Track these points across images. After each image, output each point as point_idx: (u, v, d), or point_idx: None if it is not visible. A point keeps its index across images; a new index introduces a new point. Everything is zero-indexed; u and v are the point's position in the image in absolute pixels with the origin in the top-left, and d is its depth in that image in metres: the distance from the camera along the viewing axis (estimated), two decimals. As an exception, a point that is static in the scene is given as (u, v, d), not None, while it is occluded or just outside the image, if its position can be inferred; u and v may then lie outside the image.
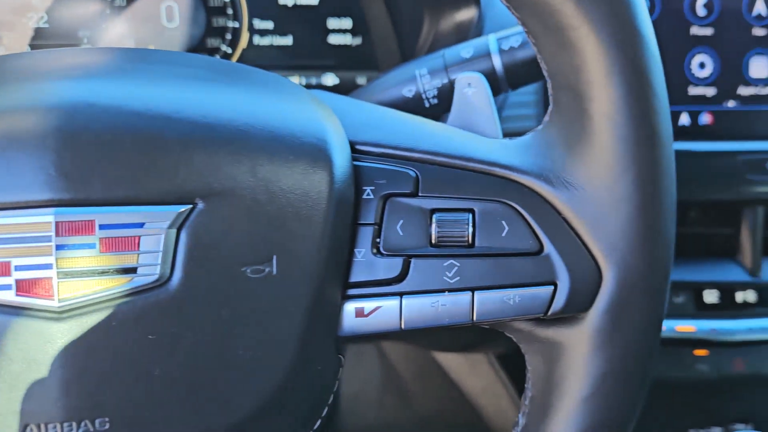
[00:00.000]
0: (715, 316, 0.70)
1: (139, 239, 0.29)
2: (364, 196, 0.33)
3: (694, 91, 0.69)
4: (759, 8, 0.68)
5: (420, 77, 0.51)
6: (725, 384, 0.75)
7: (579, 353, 0.33)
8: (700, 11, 0.67)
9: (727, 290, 0.71)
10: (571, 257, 0.33)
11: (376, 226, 0.33)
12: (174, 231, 0.29)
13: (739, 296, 0.71)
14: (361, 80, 0.70)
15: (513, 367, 0.86)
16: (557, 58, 0.33)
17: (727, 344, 0.70)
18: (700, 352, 0.71)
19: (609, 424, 0.34)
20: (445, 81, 0.50)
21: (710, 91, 0.69)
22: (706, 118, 0.69)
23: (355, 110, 0.38)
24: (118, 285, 0.29)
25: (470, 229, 0.33)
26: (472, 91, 0.42)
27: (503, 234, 0.33)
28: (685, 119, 0.69)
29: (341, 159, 0.32)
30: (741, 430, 0.64)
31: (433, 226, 0.33)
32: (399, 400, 0.93)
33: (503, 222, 0.33)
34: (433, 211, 0.34)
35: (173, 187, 0.29)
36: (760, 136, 0.69)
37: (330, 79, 0.69)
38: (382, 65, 0.70)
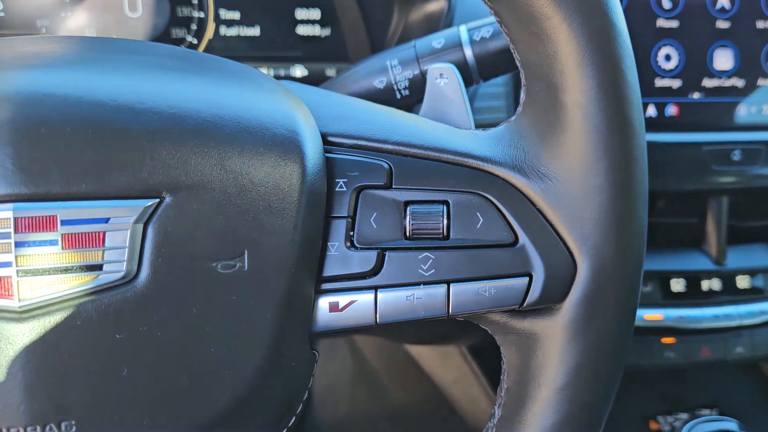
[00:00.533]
0: (682, 304, 0.72)
1: (104, 235, 0.28)
2: (337, 189, 0.33)
3: (660, 83, 0.69)
4: (722, 1, 0.69)
5: (391, 68, 0.50)
6: (692, 371, 0.76)
7: (554, 344, 0.34)
8: (666, 4, 0.68)
9: (693, 279, 0.73)
10: (545, 248, 0.33)
11: (350, 219, 0.33)
12: (140, 226, 0.29)
13: (705, 284, 0.73)
14: (330, 71, 0.69)
15: (484, 357, 0.86)
16: (530, 49, 0.33)
17: (693, 332, 0.71)
18: (668, 340, 0.72)
19: (584, 413, 0.34)
20: (417, 72, 0.50)
21: (676, 83, 0.70)
22: (671, 110, 0.70)
23: (327, 101, 0.37)
24: (82, 283, 0.28)
25: (445, 221, 0.33)
26: (444, 81, 0.42)
27: (478, 226, 0.33)
28: (651, 111, 0.70)
29: (313, 151, 0.32)
30: (707, 416, 0.65)
31: (408, 218, 0.33)
32: (371, 392, 0.93)
33: (478, 213, 0.33)
34: (407, 203, 0.33)
35: (139, 180, 0.28)
36: (724, 127, 0.70)
37: (299, 70, 0.68)
38: (352, 57, 0.69)
